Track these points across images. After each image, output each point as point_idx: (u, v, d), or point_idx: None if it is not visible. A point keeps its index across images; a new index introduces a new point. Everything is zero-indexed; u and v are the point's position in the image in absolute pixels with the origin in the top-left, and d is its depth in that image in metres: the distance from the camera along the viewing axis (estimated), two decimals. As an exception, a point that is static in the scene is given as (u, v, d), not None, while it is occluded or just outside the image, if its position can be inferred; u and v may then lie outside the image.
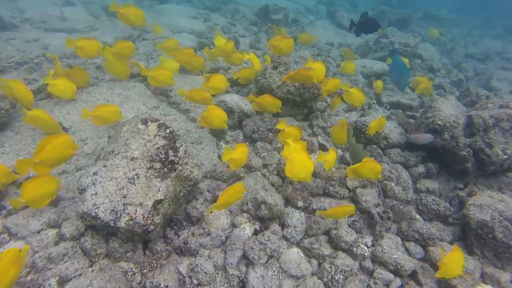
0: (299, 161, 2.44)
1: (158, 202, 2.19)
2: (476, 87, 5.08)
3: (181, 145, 2.52)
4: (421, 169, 3.46)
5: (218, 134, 3.58)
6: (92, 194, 2.17)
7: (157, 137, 2.42)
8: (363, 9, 11.72)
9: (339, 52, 6.79)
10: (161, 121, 2.51)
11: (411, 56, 6.40)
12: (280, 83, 3.88)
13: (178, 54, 4.08)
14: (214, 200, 2.81)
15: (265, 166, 3.30)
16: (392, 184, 3.13)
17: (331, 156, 2.79)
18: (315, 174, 3.17)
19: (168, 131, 2.47)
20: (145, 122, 2.52)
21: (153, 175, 2.29)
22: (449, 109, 3.79)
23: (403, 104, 4.84)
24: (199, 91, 3.36)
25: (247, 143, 3.43)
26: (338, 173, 3.14)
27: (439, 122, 3.33)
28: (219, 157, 3.33)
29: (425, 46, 7.36)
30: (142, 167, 2.31)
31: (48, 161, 2.30)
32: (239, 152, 2.54)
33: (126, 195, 2.18)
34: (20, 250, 1.77)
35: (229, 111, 3.65)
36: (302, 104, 3.95)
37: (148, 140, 2.40)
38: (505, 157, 3.15)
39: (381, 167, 2.65)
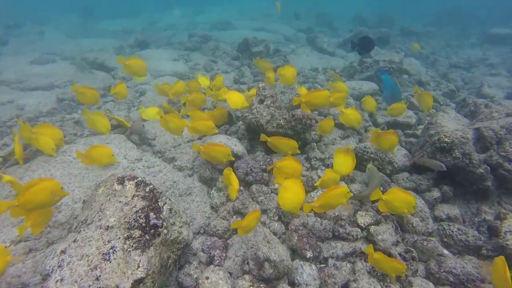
0: (291, 190, 2.31)
1: (138, 281, 1.80)
2: (472, 96, 4.90)
3: (165, 203, 2.17)
4: (436, 193, 3.12)
5: (208, 182, 3.24)
6: (57, 281, 1.78)
7: (136, 198, 2.07)
8: (342, 32, 11.97)
9: (325, 77, 6.67)
10: (139, 179, 2.17)
11: (397, 72, 6.30)
12: (269, 117, 3.62)
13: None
14: (210, 261, 2.42)
15: (264, 211, 2.94)
16: (409, 215, 2.77)
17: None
18: (322, 215, 2.81)
19: (148, 189, 2.13)
20: (121, 181, 2.18)
21: (132, 246, 1.92)
22: (451, 124, 3.54)
23: (400, 123, 4.60)
24: (203, 121, 3.30)
25: (257, 207, 2.98)
26: (346, 208, 2.79)
27: (446, 140, 3.05)
28: (212, 207, 2.97)
29: (410, 61, 7.33)
30: (119, 238, 1.95)
31: (29, 205, 2.07)
32: (250, 219, 2.20)
33: (99, 276, 1.79)
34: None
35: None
36: (295, 137, 3.67)
37: (125, 203, 2.05)
38: (526, 169, 2.85)
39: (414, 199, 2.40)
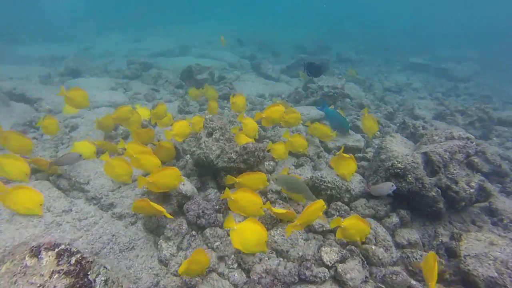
0: (250, 230, 2.22)
1: None
2: (410, 119, 5.24)
3: (99, 274, 1.73)
4: (394, 219, 3.09)
5: (155, 229, 2.81)
6: None
7: (56, 275, 1.60)
8: (285, 59, 12.39)
9: (271, 103, 6.67)
10: (62, 247, 1.71)
11: (341, 97, 6.54)
12: (219, 151, 3.35)
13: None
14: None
15: (221, 259, 2.59)
16: (373, 247, 2.67)
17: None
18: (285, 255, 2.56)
19: (73, 260, 1.67)
20: (36, 252, 1.69)
21: None
22: (400, 148, 3.63)
23: (350, 147, 4.66)
24: (149, 155, 3.04)
25: (204, 247, 2.68)
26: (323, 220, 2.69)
27: (399, 165, 3.08)
28: (161, 261, 2.53)
29: (350, 85, 7.73)
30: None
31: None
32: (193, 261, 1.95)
33: None
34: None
35: (164, 195, 2.95)
36: (248, 171, 3.43)
37: (40, 285, 1.56)
38: (472, 190, 2.97)
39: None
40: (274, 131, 4.95)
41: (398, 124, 5.10)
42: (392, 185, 3.02)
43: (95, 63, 10.20)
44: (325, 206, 2.48)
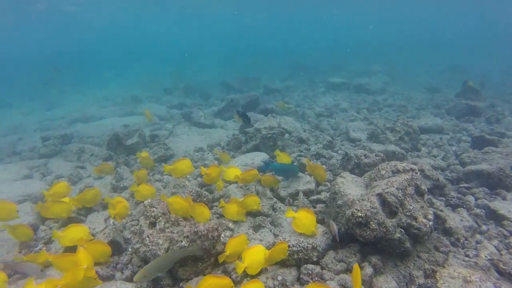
0: None
1: None
2: (352, 149, 5.40)
3: None
4: (369, 270, 2.95)
5: None
6: None
7: None
8: (216, 102, 12.31)
9: (213, 156, 6.38)
10: None
11: (279, 136, 6.54)
12: (167, 244, 2.90)
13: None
14: None
15: None
16: (359, 317, 2.45)
17: None
18: None
19: None
20: None
21: None
22: (353, 189, 3.60)
23: (302, 191, 4.55)
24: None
25: None
26: None
27: (360, 214, 2.99)
28: None
29: (285, 119, 7.85)
30: None
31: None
32: None
33: None
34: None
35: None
36: (206, 255, 3.03)
37: None
38: (430, 223, 3.00)
39: None
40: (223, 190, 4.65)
41: (342, 157, 5.19)
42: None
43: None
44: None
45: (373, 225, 2.96)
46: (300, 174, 4.91)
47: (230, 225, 3.87)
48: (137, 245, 3.03)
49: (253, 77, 16.48)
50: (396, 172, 3.39)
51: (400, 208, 3.03)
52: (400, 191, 3.10)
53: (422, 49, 27.91)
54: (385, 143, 6.13)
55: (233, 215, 3.83)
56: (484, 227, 3.70)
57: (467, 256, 3.21)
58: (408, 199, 3.11)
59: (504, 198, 4.26)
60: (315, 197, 4.49)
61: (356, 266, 2.48)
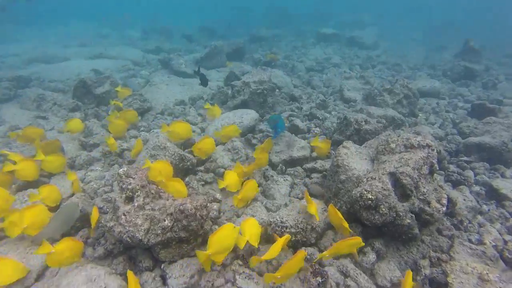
0: None
1: None
2: (349, 112, 4.94)
3: None
4: (371, 256, 2.70)
5: None
6: None
7: None
8: (195, 46, 11.17)
9: (195, 111, 5.74)
10: None
11: (271, 91, 5.94)
12: (147, 224, 2.45)
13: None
14: None
15: None
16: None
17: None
18: None
19: None
20: None
21: None
22: (358, 162, 3.22)
23: (296, 159, 4.15)
24: None
25: None
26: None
27: (370, 197, 2.63)
28: None
29: (275, 73, 7.17)
30: None
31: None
32: None
33: None
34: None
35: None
36: (192, 236, 2.63)
37: None
38: (444, 209, 2.71)
39: None
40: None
41: (339, 121, 4.75)
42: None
43: None
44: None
45: (383, 209, 2.62)
46: (294, 137, 4.48)
47: (218, 195, 3.46)
48: (111, 223, 2.55)
49: (236, 23, 15.09)
50: (410, 147, 3.00)
51: (414, 191, 2.69)
52: (416, 171, 2.74)
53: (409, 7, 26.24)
54: (383, 106, 5.72)
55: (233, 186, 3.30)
56: (485, 207, 3.51)
57: (470, 240, 3.02)
58: (422, 180, 2.77)
59: (503, 175, 4.08)
60: (309, 165, 4.11)
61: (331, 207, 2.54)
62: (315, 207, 2.80)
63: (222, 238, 2.22)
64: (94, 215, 2.74)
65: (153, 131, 4.85)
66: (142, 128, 4.98)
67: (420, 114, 5.84)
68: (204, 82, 5.30)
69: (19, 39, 12.66)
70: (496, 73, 8.48)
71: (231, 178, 3.17)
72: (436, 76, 8.24)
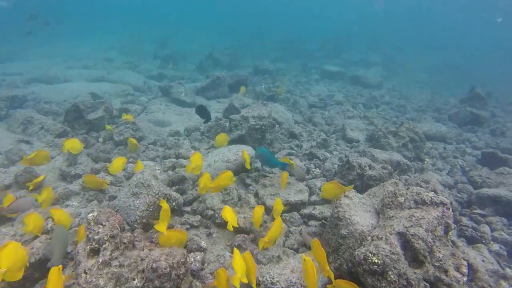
0: None
1: None
2: (355, 156, 4.63)
3: None
4: (377, 335, 2.25)
5: None
6: None
7: None
8: (201, 79, 11.14)
9: (189, 143, 5.45)
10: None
11: (270, 127, 5.68)
12: (111, 285, 2.05)
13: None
14: None
15: None
16: None
17: None
18: None
19: None
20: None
21: None
22: (361, 215, 2.85)
23: (293, 203, 3.78)
24: None
25: None
26: None
27: (376, 261, 2.24)
28: None
29: (276, 108, 6.97)
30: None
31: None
32: None
33: None
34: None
35: None
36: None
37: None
38: (465, 279, 2.30)
39: None
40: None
41: (341, 163, 4.43)
42: None
43: None
44: None
45: (392, 276, 2.22)
46: (290, 180, 4.13)
47: (203, 243, 3.06)
48: (69, 281, 2.15)
49: (241, 54, 15.29)
50: (422, 203, 2.65)
51: (428, 257, 2.30)
52: (430, 233, 2.37)
53: (424, 45, 26.73)
54: (387, 149, 5.42)
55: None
56: (509, 271, 3.08)
57: (493, 315, 2.58)
58: (437, 244, 2.39)
59: (523, 233, 3.68)
60: (307, 211, 3.73)
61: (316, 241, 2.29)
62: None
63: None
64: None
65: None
66: (130, 159, 4.67)
67: (426, 159, 5.53)
68: (207, 117, 4.99)
69: (25, 58, 12.77)
70: (503, 120, 8.27)
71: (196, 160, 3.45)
72: (442, 120, 8.03)
